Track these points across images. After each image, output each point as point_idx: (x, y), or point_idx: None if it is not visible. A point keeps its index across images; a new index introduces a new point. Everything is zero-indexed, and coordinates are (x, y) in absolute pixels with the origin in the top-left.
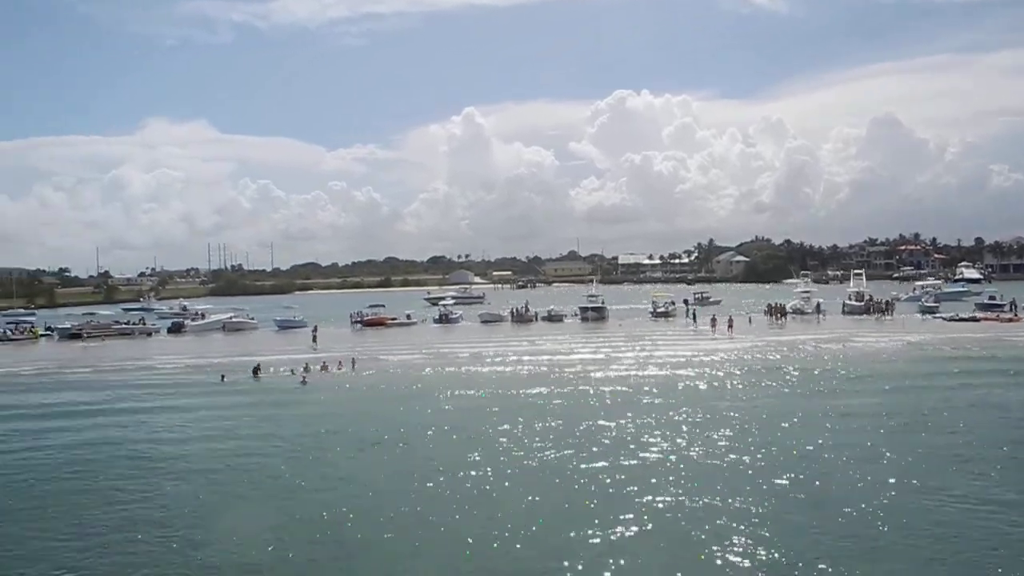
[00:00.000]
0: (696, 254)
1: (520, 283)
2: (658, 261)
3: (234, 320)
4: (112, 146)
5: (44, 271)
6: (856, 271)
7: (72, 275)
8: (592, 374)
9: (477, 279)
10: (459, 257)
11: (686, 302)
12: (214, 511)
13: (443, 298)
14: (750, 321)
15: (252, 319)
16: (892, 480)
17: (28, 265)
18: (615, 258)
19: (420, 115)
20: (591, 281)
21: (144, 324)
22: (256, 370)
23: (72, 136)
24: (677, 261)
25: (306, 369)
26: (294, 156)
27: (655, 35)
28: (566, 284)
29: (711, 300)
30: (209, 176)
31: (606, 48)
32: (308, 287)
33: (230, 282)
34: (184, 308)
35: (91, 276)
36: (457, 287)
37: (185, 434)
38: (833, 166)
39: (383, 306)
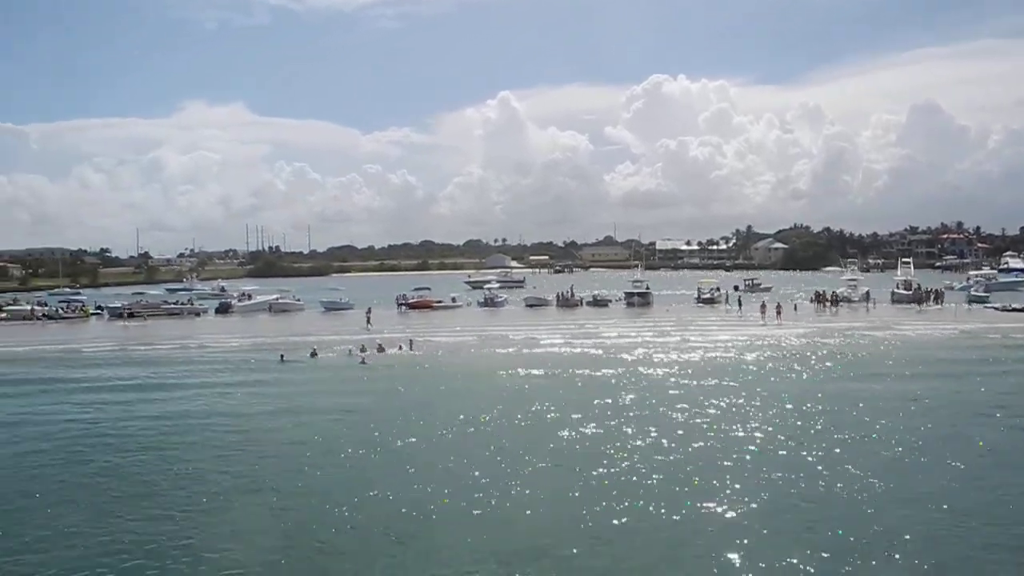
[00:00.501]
0: (734, 241)
1: (557, 268)
2: (696, 247)
3: (280, 301)
4: (151, 128)
5: (86, 251)
6: (904, 259)
7: (113, 255)
8: (653, 357)
9: (514, 263)
10: (496, 241)
11: (737, 288)
12: (319, 479)
13: (485, 282)
14: (795, 308)
15: (298, 300)
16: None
17: (68, 245)
18: (652, 244)
19: (455, 99)
20: (630, 267)
21: (192, 304)
22: (314, 352)
23: (112, 118)
24: (715, 247)
25: (362, 349)
26: (329, 139)
27: (692, 20)
28: (603, 269)
29: (761, 287)
30: (245, 158)
31: (642, 32)
32: (346, 269)
33: (268, 264)
34: (222, 289)
35: (131, 257)
36: (497, 271)
37: (266, 409)
38: (872, 153)
39: (428, 289)
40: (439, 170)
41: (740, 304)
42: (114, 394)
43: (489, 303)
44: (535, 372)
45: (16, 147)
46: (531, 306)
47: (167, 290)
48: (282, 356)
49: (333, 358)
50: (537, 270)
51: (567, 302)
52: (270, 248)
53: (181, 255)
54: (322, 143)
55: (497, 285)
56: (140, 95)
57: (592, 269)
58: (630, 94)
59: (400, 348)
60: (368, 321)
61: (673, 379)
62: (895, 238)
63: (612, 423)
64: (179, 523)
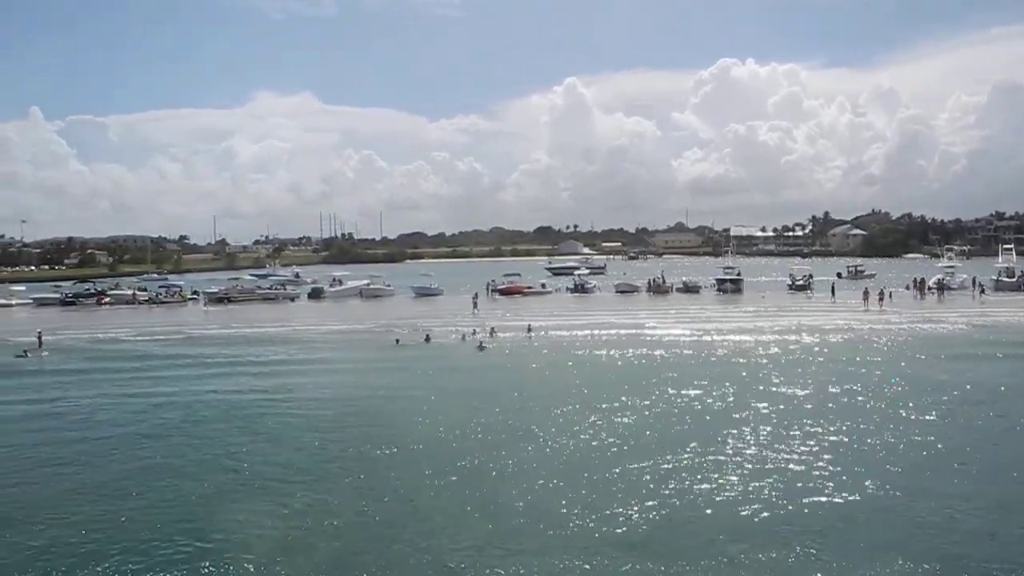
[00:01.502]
0: (810, 227)
1: (632, 254)
2: (771, 234)
3: (371, 287)
4: (223, 118)
5: (166, 238)
6: (1005, 246)
7: (191, 242)
8: (763, 338)
9: (586, 249)
10: (567, 227)
11: (840, 275)
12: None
13: (565, 268)
14: (890, 296)
15: (388, 286)
16: None
17: (146, 232)
18: (726, 230)
19: (521, 86)
20: (704, 253)
21: (286, 289)
22: (428, 336)
23: (186, 109)
24: (790, 234)
25: (474, 333)
26: (396, 127)
27: (760, 2)
28: (677, 256)
29: (865, 273)
30: (314, 147)
31: (710, 16)
32: (419, 256)
33: (342, 250)
34: (296, 275)
35: (208, 243)
36: (578, 257)
37: (403, 386)
38: (949, 136)
39: (518, 275)
40: (505, 157)
41: (833, 291)
42: (254, 368)
43: (579, 289)
44: (655, 353)
45: (97, 138)
46: (622, 292)
47: (250, 276)
48: (397, 340)
49: (448, 342)
50: (612, 257)
51: (659, 288)
52: (342, 235)
53: (257, 242)
54: (389, 131)
55: (586, 272)
56: (212, 86)
57: (665, 256)
58: (698, 79)
59: (527, 332)
60: (475, 306)
61: (801, 366)
62: (980, 224)
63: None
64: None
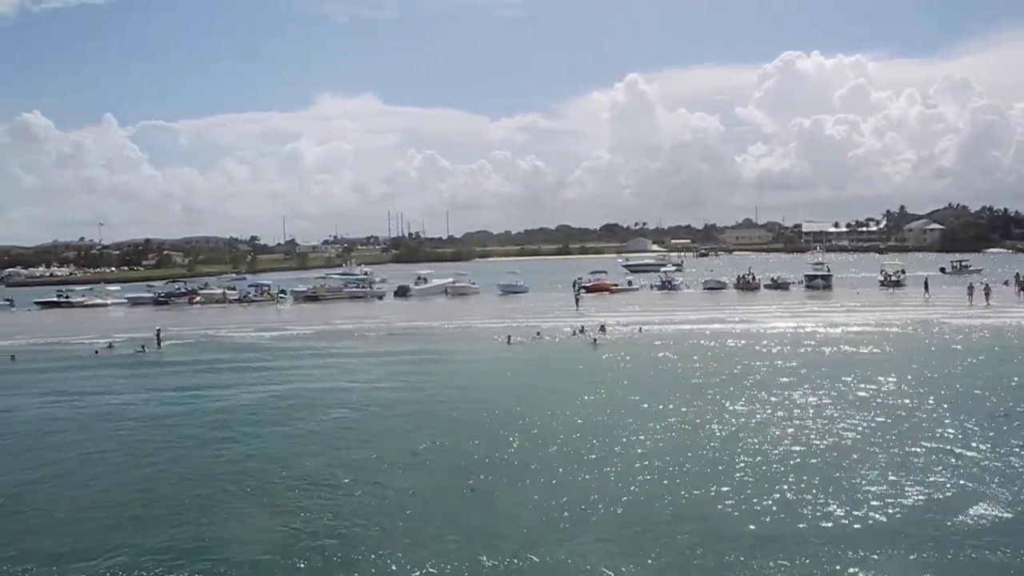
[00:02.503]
0: (884, 222)
1: (702, 251)
2: (844, 229)
3: (456, 285)
4: (288, 121)
5: (237, 239)
6: None
7: (261, 243)
8: (883, 331)
9: (654, 247)
10: (635, 224)
11: (943, 270)
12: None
13: (642, 265)
14: (987, 293)
15: (474, 284)
16: None
17: (216, 233)
18: (798, 226)
19: (582, 83)
20: (775, 249)
21: (372, 288)
22: (538, 333)
23: (252, 113)
24: (864, 229)
25: (582, 330)
26: (458, 126)
27: None
28: (747, 252)
29: (971, 268)
30: (377, 147)
31: (773, 8)
32: (487, 254)
33: (411, 250)
34: (365, 274)
35: (278, 244)
36: (654, 254)
37: (545, 384)
38: None
39: (605, 272)
40: (567, 155)
41: (927, 287)
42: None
43: (666, 286)
44: (775, 350)
45: (167, 143)
46: (710, 289)
47: (338, 276)
48: (509, 337)
49: (559, 339)
50: (683, 254)
51: (748, 285)
52: (409, 234)
53: (326, 242)
54: (450, 130)
55: (672, 268)
56: (278, 90)
57: (735, 252)
58: (761, 73)
59: (639, 329)
60: (577, 303)
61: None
62: None
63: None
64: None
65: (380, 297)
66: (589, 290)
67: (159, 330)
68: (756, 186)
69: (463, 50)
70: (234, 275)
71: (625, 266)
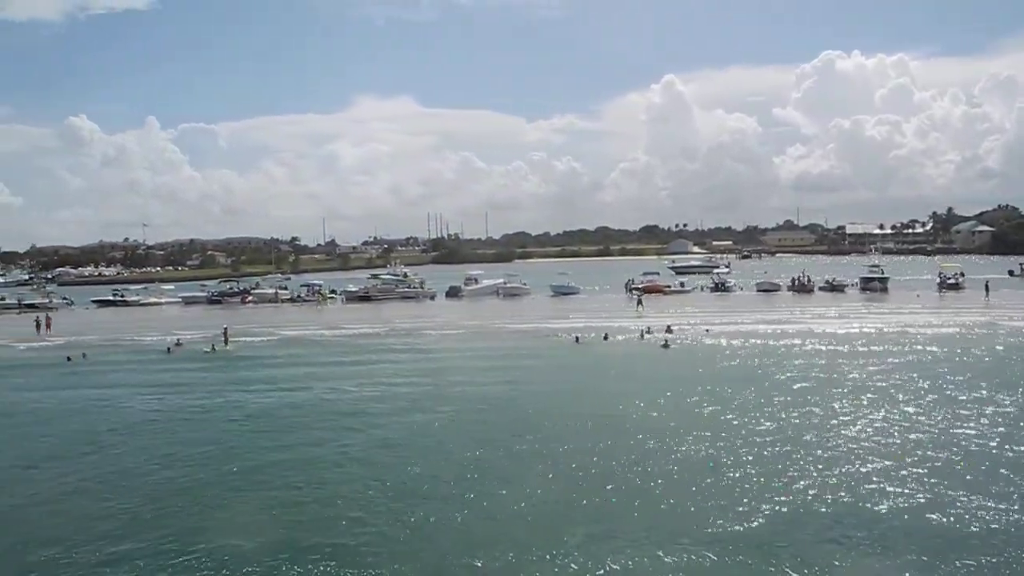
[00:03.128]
0: (931, 224)
1: (744, 253)
2: (889, 231)
3: (508, 286)
4: (326, 123)
5: (278, 239)
6: None
7: (302, 243)
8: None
9: (696, 248)
10: (675, 226)
11: (1012, 272)
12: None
13: (688, 267)
14: None
15: (525, 285)
16: None
17: (255, 234)
18: (841, 228)
19: (619, 84)
20: (818, 251)
21: (424, 288)
22: (606, 335)
23: (291, 115)
24: (910, 231)
25: (648, 331)
26: (494, 128)
27: None
28: (790, 254)
29: None
30: (414, 149)
31: (812, 7)
32: (528, 255)
33: (451, 251)
34: (405, 275)
35: (318, 244)
36: (700, 256)
37: (635, 389)
38: None
39: (657, 274)
40: (604, 156)
41: (988, 290)
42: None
43: (719, 288)
44: (853, 351)
45: (207, 144)
46: (764, 291)
47: (372, 276)
48: (577, 338)
49: (626, 340)
50: (725, 255)
51: (803, 287)
52: (448, 235)
53: (365, 243)
54: (487, 132)
55: (725, 270)
56: (315, 92)
57: (778, 254)
58: (800, 73)
59: (706, 330)
60: (639, 303)
61: None
62: None
63: None
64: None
65: (432, 297)
66: (642, 291)
67: (226, 328)
68: (794, 188)
69: (500, 51)
70: (279, 275)
71: (671, 268)
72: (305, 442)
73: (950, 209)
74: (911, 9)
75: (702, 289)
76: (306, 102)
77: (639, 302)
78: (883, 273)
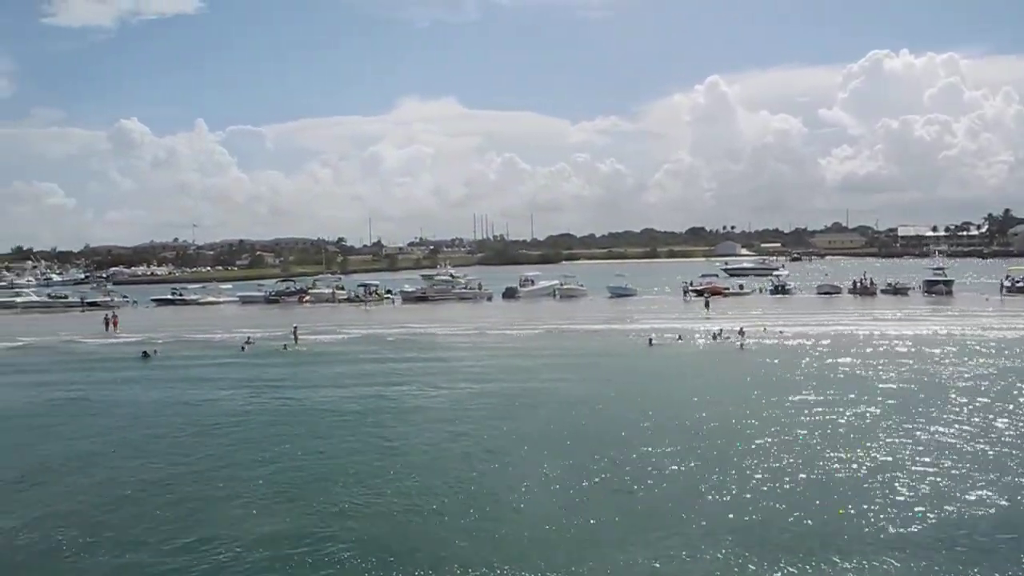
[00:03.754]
0: (986, 226)
1: (794, 255)
2: (943, 233)
3: (565, 287)
4: (370, 125)
5: (325, 240)
6: None
7: (348, 244)
8: None
9: (743, 251)
10: (723, 228)
11: None
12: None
13: (741, 268)
14: None
15: (582, 286)
16: None
17: (302, 235)
18: (892, 230)
19: (663, 85)
20: (868, 254)
21: (481, 288)
22: (680, 336)
23: (336, 117)
24: (964, 234)
25: (720, 333)
26: (538, 129)
27: None
28: (840, 256)
29: None
30: (457, 150)
31: (859, 6)
32: (575, 257)
33: (498, 252)
34: (451, 275)
35: (364, 245)
36: (753, 258)
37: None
38: None
39: (716, 276)
40: (647, 158)
41: None
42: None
43: (779, 290)
44: (938, 353)
45: (255, 147)
46: (824, 294)
47: (423, 276)
48: (650, 340)
49: (700, 343)
50: (775, 257)
51: (866, 290)
52: (494, 237)
53: (412, 243)
54: (530, 133)
55: (786, 272)
56: (360, 94)
57: (827, 257)
58: (847, 72)
59: (779, 332)
60: (706, 305)
61: None
62: None
63: None
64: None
65: (489, 298)
66: (700, 293)
67: (295, 327)
68: (840, 189)
69: (543, 53)
70: (330, 275)
71: (724, 270)
72: (425, 441)
73: (1007, 211)
74: (961, 7)
75: (760, 291)
76: (350, 104)
77: (706, 304)
78: (947, 276)
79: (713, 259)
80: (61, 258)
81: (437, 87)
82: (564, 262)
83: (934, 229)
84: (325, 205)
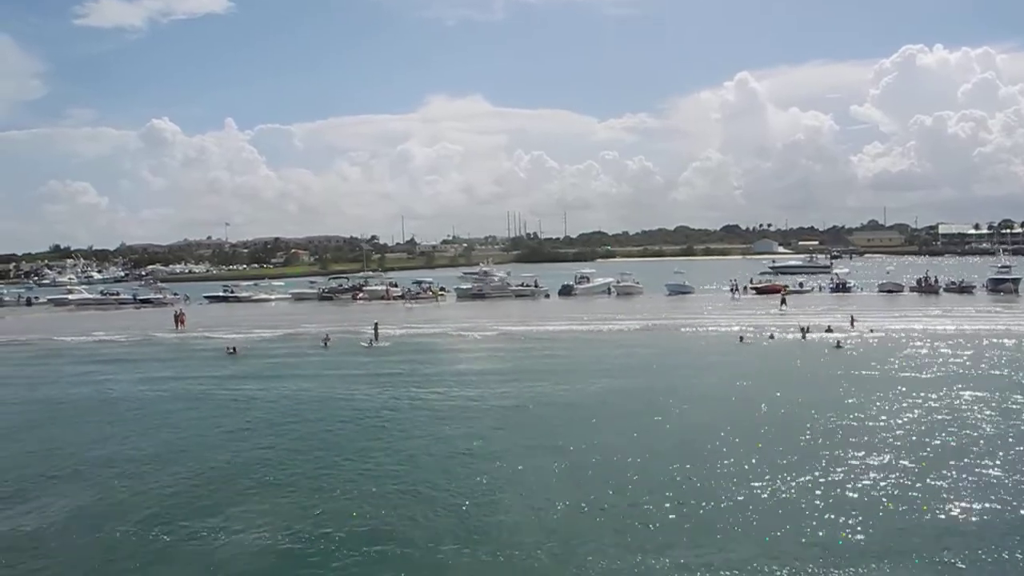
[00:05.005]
0: None
1: (834, 253)
2: (986, 231)
3: (622, 284)
4: (398, 123)
5: (357, 238)
6: None
7: (380, 242)
8: None
9: (780, 248)
10: (759, 226)
11: None
12: None
13: (788, 266)
14: None
15: (638, 284)
16: None
17: (332, 232)
18: (932, 228)
19: (691, 82)
20: (907, 252)
21: (537, 286)
22: (772, 335)
23: (365, 115)
24: (1007, 231)
25: (807, 330)
26: (566, 127)
27: None
28: (878, 255)
29: None
30: (485, 148)
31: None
32: (611, 255)
33: (533, 250)
34: (485, 273)
35: (397, 243)
36: (802, 256)
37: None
38: None
39: (773, 274)
40: (676, 155)
41: None
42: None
43: (839, 288)
44: None
45: (283, 145)
46: (886, 291)
47: (466, 274)
48: (741, 337)
49: (787, 340)
50: (812, 256)
51: (930, 288)
52: (527, 234)
53: (445, 241)
54: (558, 131)
55: (847, 270)
56: (388, 93)
57: (866, 255)
58: (879, 68)
59: (869, 330)
60: (783, 302)
61: None
62: None
63: None
64: None
65: (546, 295)
66: (760, 291)
67: (376, 324)
68: (872, 187)
69: (571, 51)
70: (375, 273)
71: (772, 268)
72: (563, 437)
73: None
74: (997, 0)
75: (820, 289)
76: (378, 102)
77: (783, 301)
78: (1012, 274)
79: (750, 257)
80: (99, 256)
81: (465, 85)
82: (599, 260)
83: (976, 227)
84: (354, 203)
